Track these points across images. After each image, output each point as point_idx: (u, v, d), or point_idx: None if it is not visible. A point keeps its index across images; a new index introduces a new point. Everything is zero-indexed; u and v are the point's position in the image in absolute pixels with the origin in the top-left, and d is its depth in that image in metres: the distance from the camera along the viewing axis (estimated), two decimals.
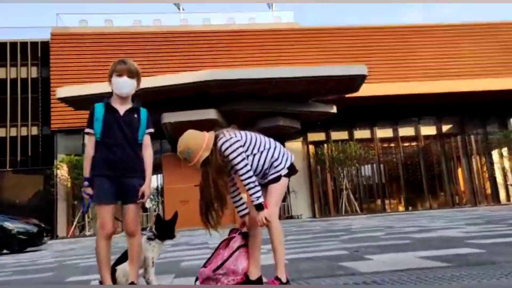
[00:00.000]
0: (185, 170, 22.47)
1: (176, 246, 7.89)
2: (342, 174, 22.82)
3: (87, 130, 2.50)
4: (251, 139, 2.79)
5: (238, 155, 2.61)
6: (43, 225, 9.71)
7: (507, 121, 26.00)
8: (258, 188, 2.60)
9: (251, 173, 2.62)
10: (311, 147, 24.70)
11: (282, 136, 23.84)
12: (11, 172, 24.42)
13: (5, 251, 8.42)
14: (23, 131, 24.88)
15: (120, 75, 2.46)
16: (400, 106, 24.34)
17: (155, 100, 19.66)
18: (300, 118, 22.37)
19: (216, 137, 2.67)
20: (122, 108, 2.53)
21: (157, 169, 23.89)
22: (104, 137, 2.47)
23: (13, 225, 8.51)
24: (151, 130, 2.69)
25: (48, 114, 23.74)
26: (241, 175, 2.61)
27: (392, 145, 25.88)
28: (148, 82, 18.76)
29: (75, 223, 20.68)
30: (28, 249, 8.87)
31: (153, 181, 29.12)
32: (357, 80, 19.49)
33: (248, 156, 2.68)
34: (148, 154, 2.65)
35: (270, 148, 2.84)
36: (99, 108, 2.51)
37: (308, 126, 23.68)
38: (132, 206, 2.62)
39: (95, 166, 2.48)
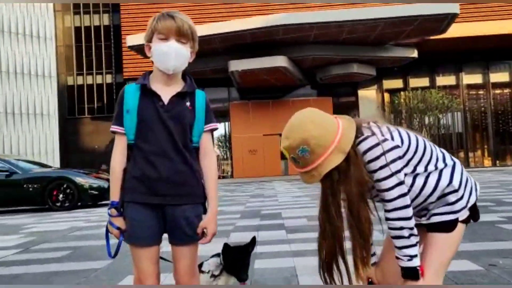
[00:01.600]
0: (254, 118, 22.13)
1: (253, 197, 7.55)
2: (421, 125, 21.12)
3: (113, 128, 1.62)
4: (416, 145, 1.52)
5: (393, 173, 1.43)
6: None
7: None
8: (415, 238, 1.45)
9: (409, 210, 1.45)
10: (386, 96, 22.99)
11: (355, 84, 22.41)
12: (90, 118, 25.61)
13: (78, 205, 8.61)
14: (98, 79, 25.71)
15: (165, 39, 1.54)
16: (491, 49, 21.54)
17: (222, 47, 19.07)
18: (375, 64, 20.70)
19: (358, 132, 1.49)
20: (167, 93, 1.58)
21: (225, 116, 23.75)
22: (140, 140, 1.58)
23: (85, 180, 8.62)
24: (214, 125, 1.67)
25: (121, 62, 24.14)
26: (390, 210, 1.45)
27: (481, 92, 23.32)
28: (215, 28, 18.12)
29: None
30: (101, 203, 9.04)
31: (221, 128, 29.28)
32: (446, 20, 17.27)
33: (406, 175, 1.49)
34: (209, 163, 1.64)
35: (446, 166, 1.56)
36: (131, 92, 1.59)
37: (383, 73, 21.92)
38: (186, 249, 1.60)
39: (127, 185, 1.58)
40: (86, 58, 26.10)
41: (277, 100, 22.54)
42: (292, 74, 19.62)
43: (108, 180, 9.27)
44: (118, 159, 1.62)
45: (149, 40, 1.60)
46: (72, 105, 26.47)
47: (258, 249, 3.28)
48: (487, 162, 22.94)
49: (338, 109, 24.94)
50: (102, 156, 24.92)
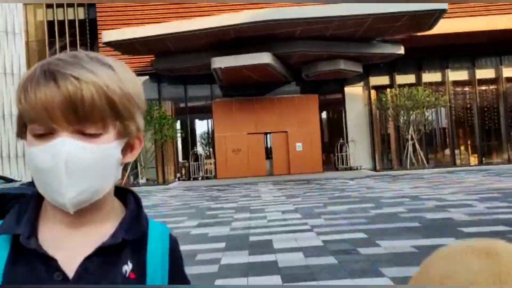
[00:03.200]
0: (237, 116, 21.41)
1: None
2: (407, 122, 20.72)
3: None
4: None
5: None
6: None
7: None
8: None
9: None
10: (373, 92, 22.49)
11: (341, 81, 21.86)
12: None
13: None
14: None
15: (44, 134, 0.63)
16: (478, 44, 21.22)
17: (206, 43, 18.26)
18: (362, 61, 20.17)
19: None
20: (75, 251, 0.66)
21: (208, 114, 22.95)
22: None
23: None
24: None
25: None
26: None
27: (467, 88, 23.03)
28: (197, 23, 17.28)
29: (128, 171, 20.54)
30: None
31: (204, 126, 28.41)
32: (433, 16, 16.81)
33: None
34: None
35: None
36: None
37: (370, 69, 21.42)
38: None
39: None
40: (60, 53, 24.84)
41: (262, 98, 21.84)
42: (277, 71, 18.94)
43: None
44: None
45: (20, 132, 0.69)
46: None
47: None
48: (473, 159, 22.72)
49: (325, 107, 24.41)
50: None
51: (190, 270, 3.65)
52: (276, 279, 3.51)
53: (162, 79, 22.15)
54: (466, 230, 5.03)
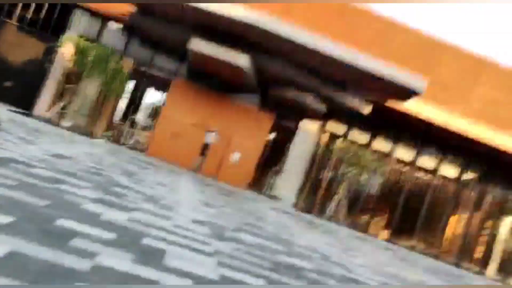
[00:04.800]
0: (191, 103, 20.70)
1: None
2: (344, 178, 21.07)
3: None
4: None
5: None
6: None
7: None
8: None
9: None
10: (326, 136, 22.71)
11: (301, 112, 21.86)
12: (17, 27, 22.40)
13: None
14: None
15: None
16: (438, 136, 22.23)
17: (192, 19, 17.48)
18: (328, 103, 20.32)
19: None
20: None
21: (164, 87, 21.95)
22: None
23: None
24: None
25: None
26: None
27: (406, 169, 23.95)
28: None
29: (57, 107, 19.00)
30: None
31: (154, 98, 27.36)
32: (408, 92, 17.27)
33: None
34: None
35: None
36: None
37: (331, 113, 21.66)
38: None
39: None
40: None
41: (222, 95, 21.28)
42: (248, 77, 18.52)
43: None
44: None
45: None
46: None
47: None
48: (383, 234, 23.52)
49: (277, 129, 24.29)
50: (14, 73, 21.89)
51: (61, 258, 3.00)
52: None
53: (134, 35, 20.99)
54: None
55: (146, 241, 4.74)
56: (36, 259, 3.15)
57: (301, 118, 22.19)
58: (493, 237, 24.12)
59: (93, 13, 21.47)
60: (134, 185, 8.83)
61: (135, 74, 21.85)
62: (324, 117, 22.17)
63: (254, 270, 5.11)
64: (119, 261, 3.76)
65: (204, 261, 4.69)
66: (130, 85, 22.13)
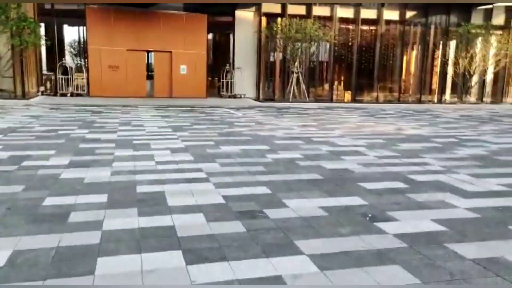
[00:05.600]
0: (116, 29, 19.15)
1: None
2: (294, 55, 20.80)
3: None
4: None
5: None
6: None
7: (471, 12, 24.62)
8: None
9: None
10: (264, 20, 21.83)
11: (233, 4, 20.66)
12: None
13: None
14: None
15: None
16: None
17: None
18: None
19: None
20: None
21: (80, 18, 19.91)
22: None
23: None
24: None
25: None
26: None
27: (351, 27, 23.78)
28: None
29: None
30: None
31: (74, 34, 25.12)
32: None
33: None
34: None
35: None
36: None
37: None
38: None
39: None
40: None
41: (145, 11, 19.61)
42: None
43: None
44: None
45: None
46: None
47: None
48: (348, 96, 24.18)
49: (212, 29, 23.10)
50: None
51: (60, 240, 2.74)
52: (177, 259, 2.86)
53: None
54: (365, 185, 4.93)
55: (140, 189, 4.54)
56: None
57: (234, 9, 21.02)
58: (444, 64, 25.21)
59: None
60: (97, 135, 8.33)
61: (42, 14, 19.60)
62: (257, 2, 21.03)
63: (250, 179, 5.09)
64: (126, 220, 3.56)
65: (201, 189, 4.60)
66: (42, 29, 19.92)
